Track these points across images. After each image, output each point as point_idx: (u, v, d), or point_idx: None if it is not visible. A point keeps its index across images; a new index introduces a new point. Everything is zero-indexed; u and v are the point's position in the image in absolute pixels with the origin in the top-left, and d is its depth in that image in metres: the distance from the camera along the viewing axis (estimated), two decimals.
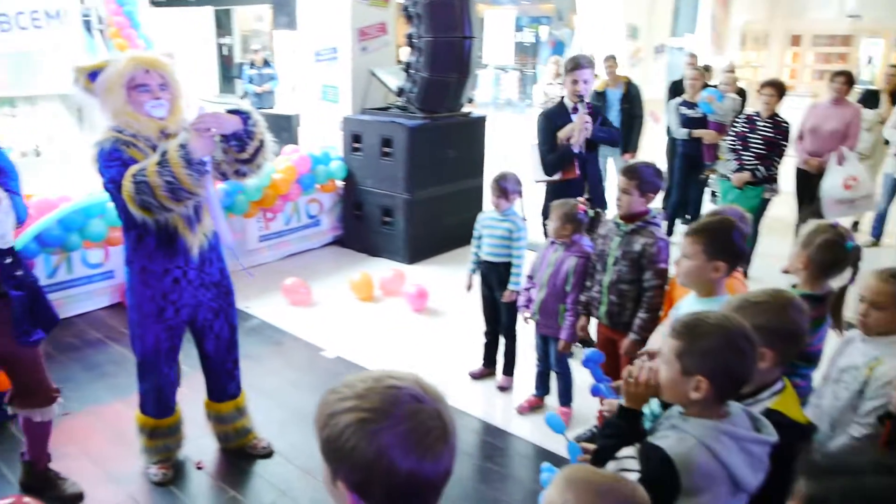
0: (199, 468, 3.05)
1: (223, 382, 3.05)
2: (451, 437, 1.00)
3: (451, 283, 4.80)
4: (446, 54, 5.48)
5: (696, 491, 1.48)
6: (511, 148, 10.30)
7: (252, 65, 10.00)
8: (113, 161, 2.47)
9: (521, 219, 3.64)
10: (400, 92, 5.82)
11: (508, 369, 3.80)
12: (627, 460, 1.55)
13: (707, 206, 6.22)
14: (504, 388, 3.78)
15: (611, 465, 1.59)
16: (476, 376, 3.89)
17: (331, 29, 6.27)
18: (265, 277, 5.17)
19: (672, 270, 2.50)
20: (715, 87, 6.36)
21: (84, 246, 4.47)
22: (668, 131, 6.47)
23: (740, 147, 5.03)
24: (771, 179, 5.04)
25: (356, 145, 5.94)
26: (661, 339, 1.87)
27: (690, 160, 6.02)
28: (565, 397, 3.43)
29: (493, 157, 6.73)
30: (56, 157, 7.15)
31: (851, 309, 2.20)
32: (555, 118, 4.02)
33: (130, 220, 2.58)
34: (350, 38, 6.15)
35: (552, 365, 3.42)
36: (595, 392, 1.95)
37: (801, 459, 1.01)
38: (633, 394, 1.64)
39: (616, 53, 6.74)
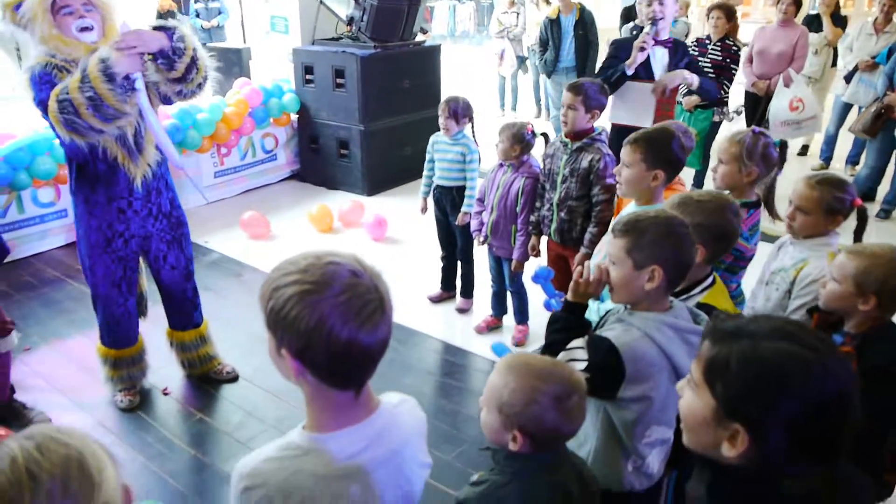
0: (166, 394, 3.13)
1: (186, 311, 3.09)
2: (387, 309, 1.07)
3: (409, 212, 4.85)
4: None
5: (640, 378, 1.58)
6: (468, 80, 10.23)
7: None
8: (43, 84, 2.41)
9: (472, 142, 3.68)
10: (350, 21, 5.71)
11: (466, 291, 3.91)
12: (576, 350, 1.63)
13: None
14: (463, 310, 3.90)
15: (561, 356, 1.69)
16: (435, 300, 4.00)
17: None
18: (223, 212, 5.16)
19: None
20: None
21: (34, 185, 4.39)
22: None
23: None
24: (721, 103, 5.14)
25: (308, 77, 5.85)
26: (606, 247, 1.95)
27: None
28: (521, 315, 3.56)
29: (450, 89, 6.69)
30: None
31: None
32: (626, 46, 3.68)
33: (71, 150, 2.58)
34: None
35: (507, 285, 3.53)
36: (548, 307, 2.03)
37: (707, 325, 1.10)
38: (581, 292, 1.73)
39: None
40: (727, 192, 2.27)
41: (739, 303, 2.40)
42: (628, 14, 6.99)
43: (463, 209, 3.61)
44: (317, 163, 6.06)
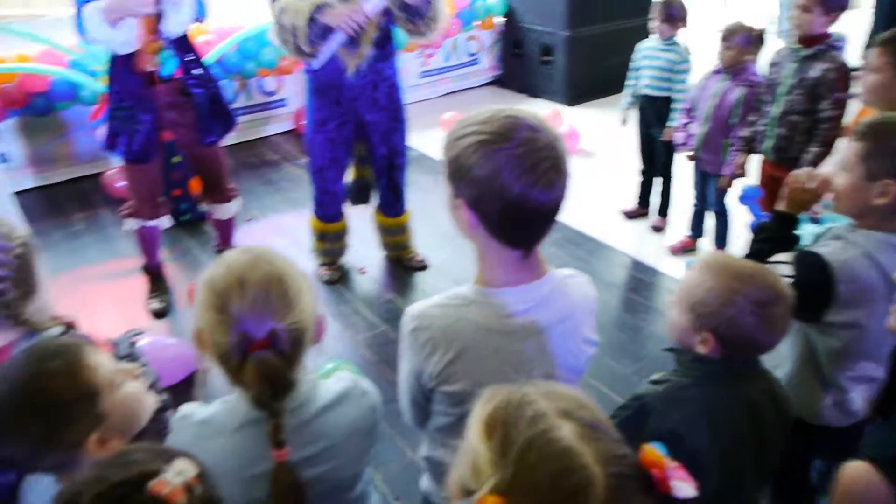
0: (363, 273, 3.38)
1: (390, 200, 3.26)
2: (563, 170, 1.05)
3: (608, 125, 4.67)
4: None
5: (853, 302, 1.43)
6: None
7: None
8: None
9: (685, 49, 3.42)
10: None
11: (663, 209, 3.74)
12: (781, 266, 1.51)
13: None
14: (658, 229, 3.74)
15: None
16: (630, 215, 3.87)
17: None
18: (426, 112, 5.30)
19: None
20: None
21: (259, 74, 4.78)
22: None
23: None
24: None
25: None
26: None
27: None
28: (721, 239, 3.34)
29: None
30: None
31: None
32: None
33: None
34: None
35: (710, 204, 3.31)
36: (754, 229, 1.88)
37: None
38: (796, 199, 1.57)
39: None
40: None
41: None
42: None
43: (669, 123, 3.40)
44: (519, 69, 5.98)
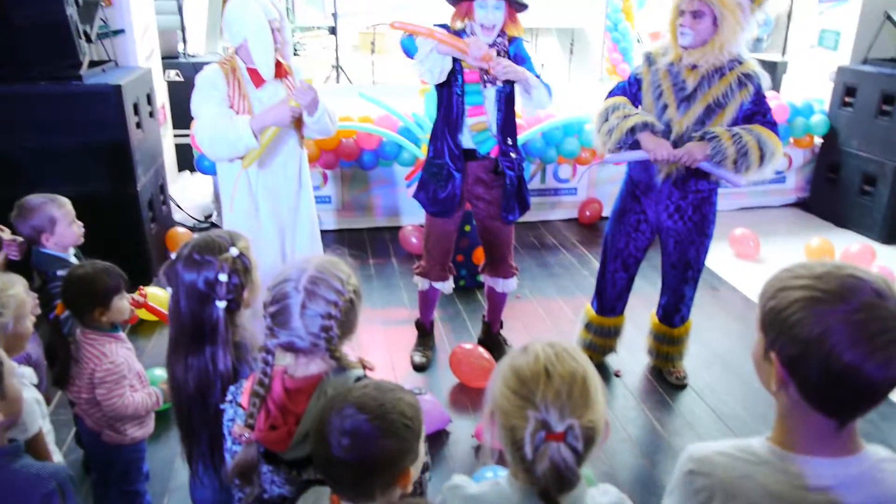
0: (617, 375, 3.28)
1: (672, 309, 3.15)
2: None
3: None
4: None
5: None
6: None
7: None
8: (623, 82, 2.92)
9: None
10: None
11: None
12: None
13: None
14: None
15: None
16: None
17: None
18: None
19: None
20: None
21: (558, 161, 5.00)
22: None
23: None
24: None
25: (847, 99, 5.27)
26: None
27: None
28: None
29: None
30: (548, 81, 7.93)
31: None
32: None
33: None
34: None
35: None
36: None
37: None
38: None
39: None
40: None
41: None
42: None
43: None
44: (830, 194, 5.47)
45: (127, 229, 3.89)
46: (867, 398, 0.96)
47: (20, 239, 2.23)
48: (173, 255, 1.57)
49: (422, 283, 3.22)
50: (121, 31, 4.48)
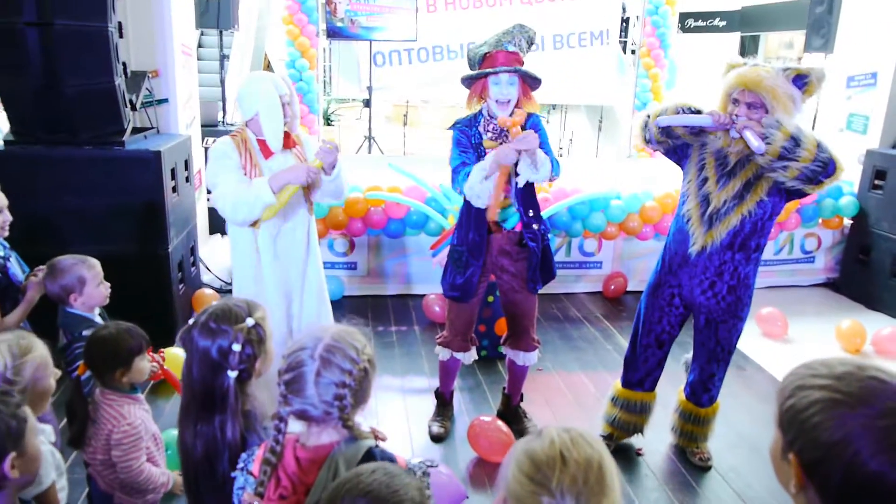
0: (639, 455, 3.19)
1: (699, 388, 3.08)
2: None
3: None
4: None
5: None
6: None
7: None
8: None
9: None
10: None
11: None
12: None
13: None
14: None
15: None
16: None
17: (872, 52, 5.65)
18: None
19: None
20: None
21: (584, 235, 5.02)
22: None
23: None
24: None
25: (878, 182, 5.26)
26: None
27: None
28: None
29: None
30: (576, 155, 8.08)
31: None
32: None
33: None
34: (895, 62, 5.44)
35: None
36: None
37: None
38: None
39: None
40: None
41: None
42: None
43: None
44: (861, 276, 5.39)
45: (156, 289, 3.98)
46: None
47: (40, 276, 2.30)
48: (191, 321, 1.60)
49: (443, 354, 3.21)
50: (164, 101, 4.69)
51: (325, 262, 3.94)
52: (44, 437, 1.72)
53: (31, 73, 3.45)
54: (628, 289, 5.26)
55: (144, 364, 2.04)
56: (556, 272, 3.12)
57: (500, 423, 3.12)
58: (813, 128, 6.34)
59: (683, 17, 9.83)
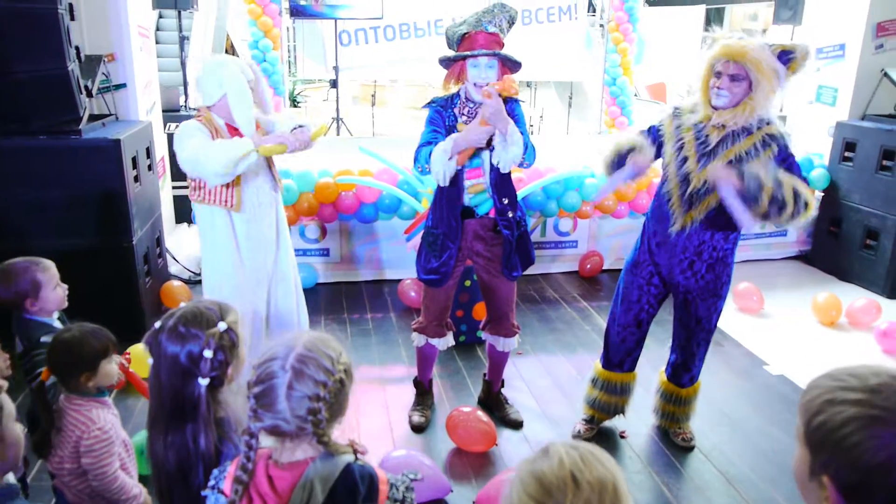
0: (623, 437, 3.17)
1: (680, 368, 3.05)
2: None
3: None
4: None
5: None
6: None
7: None
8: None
9: None
10: None
11: None
12: None
13: None
14: None
15: None
16: None
17: (840, 24, 5.65)
18: None
19: None
20: None
21: (559, 214, 4.97)
22: None
23: None
24: None
25: (847, 154, 5.29)
26: None
27: None
28: None
29: None
30: (547, 133, 8.03)
31: None
32: None
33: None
34: (863, 33, 5.45)
35: None
36: None
37: None
38: None
39: None
40: None
41: None
42: None
43: None
44: (832, 248, 5.43)
45: (121, 283, 3.84)
46: None
47: None
48: (157, 324, 1.50)
49: (418, 340, 3.14)
50: (122, 86, 4.49)
51: (296, 250, 3.85)
52: None
53: None
54: (604, 267, 5.23)
55: (111, 367, 1.93)
56: (534, 258, 3.06)
57: (479, 412, 3.06)
58: (782, 102, 6.35)
59: None
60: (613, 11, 8.82)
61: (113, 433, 1.90)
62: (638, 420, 3.25)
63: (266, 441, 1.32)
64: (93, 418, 1.88)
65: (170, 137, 5.46)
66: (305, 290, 3.40)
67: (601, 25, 9.28)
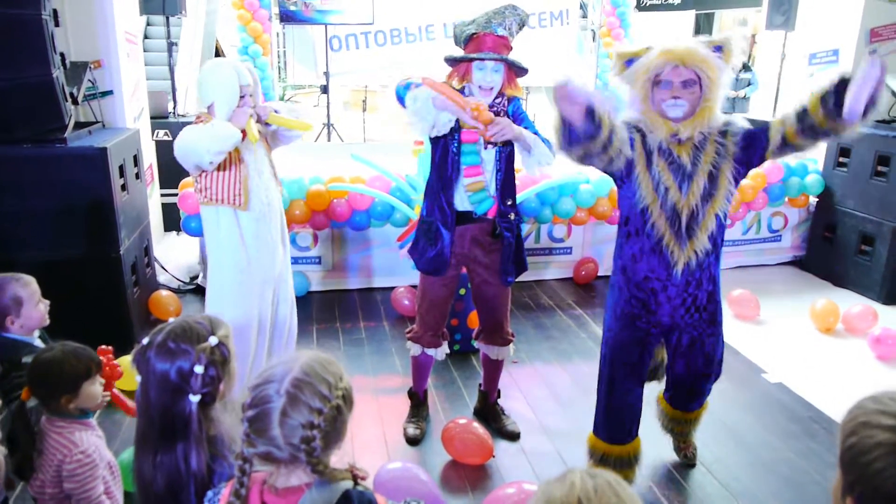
0: None
1: (685, 398, 2.80)
2: None
3: None
4: None
5: None
6: None
7: None
8: None
9: None
10: None
11: None
12: None
13: None
14: None
15: None
16: None
17: (834, 29, 5.65)
18: None
19: None
20: None
21: (553, 221, 4.92)
22: None
23: None
24: None
25: (842, 160, 5.27)
26: None
27: None
28: None
29: None
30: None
31: None
32: None
33: (623, 215, 2.52)
34: (856, 39, 5.45)
35: None
36: None
37: None
38: None
39: None
40: None
41: None
42: None
43: None
44: (827, 254, 5.41)
45: (109, 294, 3.75)
46: None
47: None
48: (145, 340, 1.43)
49: (414, 349, 3.08)
50: (109, 93, 4.42)
51: None
52: None
53: None
54: (599, 274, 5.18)
55: (95, 389, 1.85)
56: (527, 264, 3.01)
57: (475, 424, 3.00)
58: (775, 106, 6.33)
59: None
60: (605, 17, 8.84)
61: (97, 456, 1.83)
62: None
63: (261, 464, 1.26)
64: (75, 441, 1.81)
65: (158, 145, 5.39)
66: (298, 300, 3.33)
67: (593, 31, 9.29)
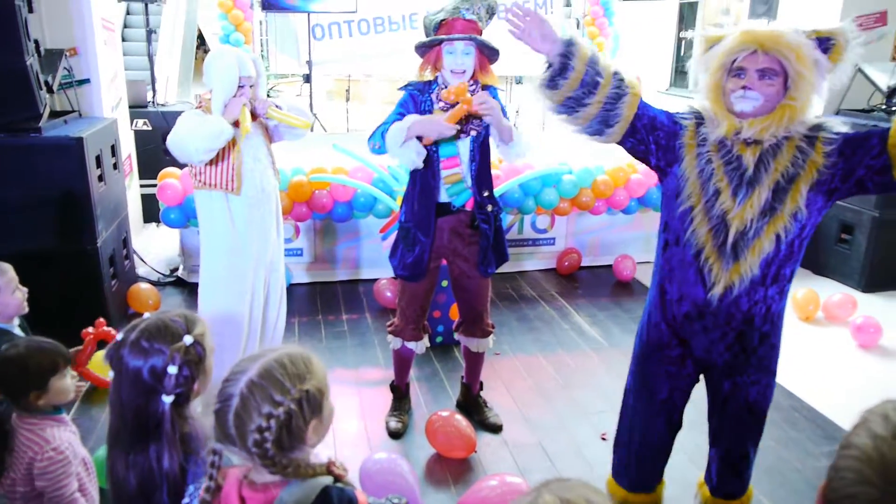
0: (604, 439, 3.11)
1: (728, 474, 2.27)
2: None
3: None
4: None
5: None
6: None
7: None
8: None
9: None
10: (892, 93, 4.96)
11: None
12: None
13: None
14: None
15: None
16: None
17: (815, 18, 5.66)
18: None
19: None
20: None
21: (536, 211, 4.91)
22: None
23: None
24: None
25: None
26: None
27: None
28: None
29: None
30: (525, 128, 7.94)
31: None
32: None
33: (662, 219, 2.11)
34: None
35: None
36: None
37: None
38: None
39: None
40: None
41: None
42: None
43: None
44: (808, 243, 5.44)
45: (86, 287, 3.70)
46: None
47: None
48: (119, 337, 1.41)
49: (394, 343, 3.06)
50: (86, 81, 4.34)
51: None
52: None
53: None
54: (582, 264, 5.18)
55: (64, 383, 1.82)
56: (508, 255, 3.00)
57: (458, 416, 2.99)
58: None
59: None
60: (589, 6, 8.80)
61: (69, 453, 1.80)
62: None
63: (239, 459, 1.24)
64: (47, 438, 1.78)
65: (137, 134, 5.32)
66: None
67: (577, 19, 9.25)
